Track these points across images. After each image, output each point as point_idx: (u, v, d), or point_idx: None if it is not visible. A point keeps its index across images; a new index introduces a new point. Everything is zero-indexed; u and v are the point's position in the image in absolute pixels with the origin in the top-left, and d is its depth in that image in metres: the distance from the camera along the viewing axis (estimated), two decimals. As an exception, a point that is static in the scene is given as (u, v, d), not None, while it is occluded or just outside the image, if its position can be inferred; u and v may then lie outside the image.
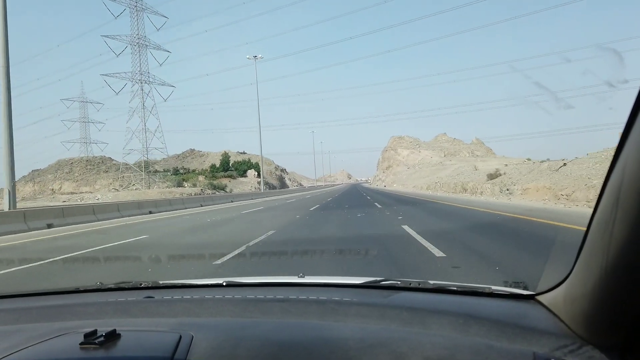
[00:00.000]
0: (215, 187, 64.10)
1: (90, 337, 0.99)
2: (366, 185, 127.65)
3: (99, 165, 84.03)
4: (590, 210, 0.88)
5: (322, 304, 1.33)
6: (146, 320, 1.27)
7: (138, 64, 61.10)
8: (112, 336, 1.01)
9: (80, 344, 0.98)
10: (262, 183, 61.55)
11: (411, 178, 75.16)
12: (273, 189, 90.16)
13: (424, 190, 47.23)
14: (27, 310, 1.46)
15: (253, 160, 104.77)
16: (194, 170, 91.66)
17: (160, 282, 1.73)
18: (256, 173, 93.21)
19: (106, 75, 62.23)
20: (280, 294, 1.50)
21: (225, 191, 65.79)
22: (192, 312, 1.34)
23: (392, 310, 1.23)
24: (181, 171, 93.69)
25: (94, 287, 1.71)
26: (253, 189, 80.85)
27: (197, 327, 1.10)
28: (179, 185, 60.20)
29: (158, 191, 52.19)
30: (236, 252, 7.09)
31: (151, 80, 63.25)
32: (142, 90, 60.85)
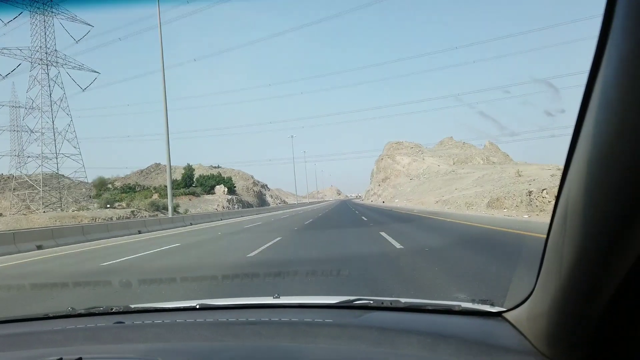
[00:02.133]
0: (159, 208, 47.67)
1: None
2: (357, 201, 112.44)
3: None
4: None
5: (294, 326, 1.34)
6: (114, 346, 1.26)
7: (42, 38, 44.14)
8: None
9: None
10: (233, 200, 44.30)
11: (417, 191, 59.23)
12: (248, 207, 75.80)
13: (447, 206, 32.06)
14: None
15: (228, 175, 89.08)
16: (149, 188, 74.46)
17: (132, 306, 1.71)
18: (226, 189, 77.03)
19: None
20: (253, 316, 1.50)
21: (178, 212, 50.25)
22: (162, 337, 1.33)
23: (363, 330, 1.25)
24: (136, 188, 76.41)
25: (64, 313, 1.68)
26: (221, 208, 65.62)
27: (166, 352, 1.10)
28: (107, 205, 43.50)
29: (55, 215, 35.26)
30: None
31: (61, 61, 46.33)
32: (47, 74, 43.75)
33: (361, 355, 1.07)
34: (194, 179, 78.39)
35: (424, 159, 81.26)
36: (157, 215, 44.93)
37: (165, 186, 77.23)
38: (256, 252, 9.71)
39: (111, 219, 37.34)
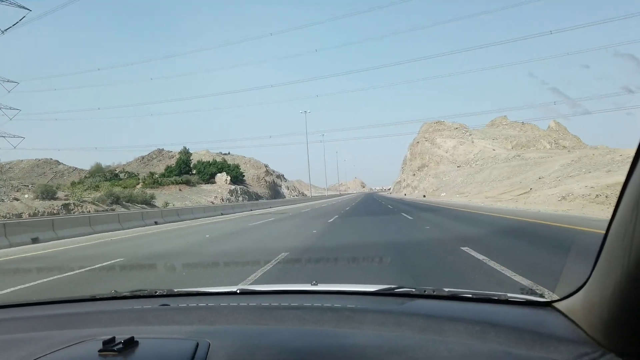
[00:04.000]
0: (117, 200, 34.29)
1: (108, 344, 1.00)
2: (385, 194, 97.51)
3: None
4: None
5: (337, 312, 1.34)
6: (162, 327, 1.29)
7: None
8: (130, 343, 1.01)
9: (99, 351, 0.99)
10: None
11: (472, 182, 44.33)
12: (257, 199, 63.29)
13: (562, 206, 18.47)
14: (43, 318, 1.49)
15: (236, 163, 75.47)
16: (136, 175, 61.27)
17: (175, 290, 1.75)
18: (228, 178, 63.19)
19: None
20: (293, 302, 1.52)
21: (152, 205, 37.16)
22: (208, 320, 1.35)
23: (407, 317, 1.25)
24: (121, 176, 63.19)
25: (110, 295, 1.74)
26: (219, 201, 51.96)
27: (213, 334, 1.10)
28: (48, 196, 30.14)
29: None
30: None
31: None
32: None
33: (408, 341, 1.07)
34: (191, 166, 64.80)
35: (473, 142, 65.86)
36: (113, 209, 31.65)
37: (155, 174, 65.27)
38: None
39: (20, 215, 24.09)
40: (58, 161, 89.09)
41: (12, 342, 1.14)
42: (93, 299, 1.73)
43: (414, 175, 74.37)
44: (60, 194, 33.82)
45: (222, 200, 54.71)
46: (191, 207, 33.65)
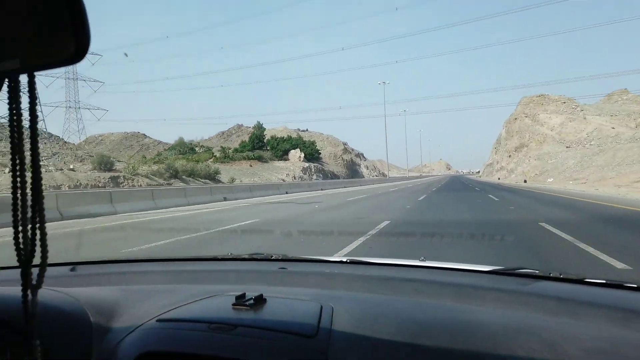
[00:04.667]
0: (176, 174, 31.81)
1: (240, 299, 1.06)
2: (472, 177, 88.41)
3: None
4: None
5: (455, 287, 1.33)
6: (284, 288, 1.33)
7: None
8: (260, 300, 1.07)
9: (233, 304, 1.05)
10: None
11: (591, 166, 35.93)
12: (333, 178, 59.42)
13: None
14: (178, 273, 1.66)
15: (313, 139, 71.85)
16: (211, 149, 59.73)
17: (290, 255, 1.82)
18: (302, 155, 59.52)
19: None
20: (406, 274, 1.51)
21: (217, 180, 35.08)
22: (325, 285, 1.39)
23: (534, 298, 1.21)
24: (197, 150, 62.07)
25: (230, 257, 1.87)
26: (291, 178, 49.74)
27: (333, 299, 1.11)
28: (105, 167, 28.20)
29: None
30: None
31: None
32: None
33: (539, 322, 1.02)
34: (265, 141, 61.93)
35: (585, 118, 55.71)
36: (170, 184, 29.06)
37: (229, 149, 63.59)
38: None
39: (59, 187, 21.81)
40: (145, 134, 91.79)
41: (154, 292, 1.23)
42: (215, 259, 1.89)
43: (509, 156, 65.41)
44: (119, 165, 31.90)
45: (294, 178, 51.40)
46: (261, 183, 30.77)
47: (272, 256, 1.78)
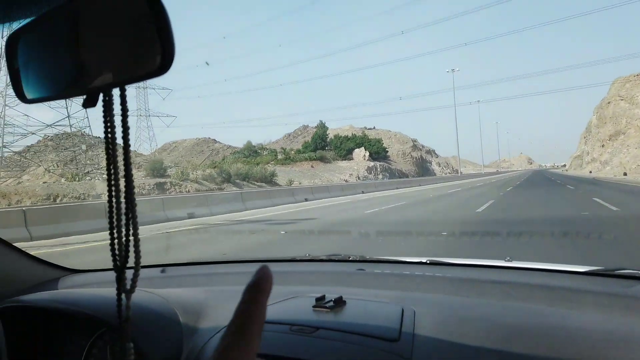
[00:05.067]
0: (229, 178, 30.64)
1: (320, 301, 1.06)
2: (558, 171, 79.80)
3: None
4: None
5: (549, 290, 1.26)
6: (363, 290, 1.29)
7: None
8: (340, 302, 1.06)
9: (313, 306, 1.05)
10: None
11: None
12: (401, 177, 56.19)
13: None
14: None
15: (379, 137, 68.99)
16: (274, 151, 58.78)
17: (367, 256, 1.77)
18: (367, 154, 56.82)
19: None
20: (490, 276, 1.45)
21: (274, 183, 33.65)
22: (405, 287, 1.35)
23: None
24: (260, 152, 61.48)
25: (308, 258, 1.87)
26: (354, 179, 47.15)
27: (414, 301, 1.09)
28: (157, 173, 27.70)
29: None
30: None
31: None
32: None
33: None
34: (327, 141, 59.86)
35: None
36: (222, 188, 27.77)
37: (292, 150, 62.19)
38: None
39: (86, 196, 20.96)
40: (215, 140, 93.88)
41: (238, 293, 1.19)
42: (294, 260, 1.89)
43: (602, 146, 57.70)
44: (172, 171, 31.13)
45: (358, 178, 48.84)
46: (325, 185, 29.59)
47: (349, 257, 1.75)
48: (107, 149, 0.41)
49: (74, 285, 1.56)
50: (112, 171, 0.41)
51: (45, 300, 1.21)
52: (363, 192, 27.25)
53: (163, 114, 60.64)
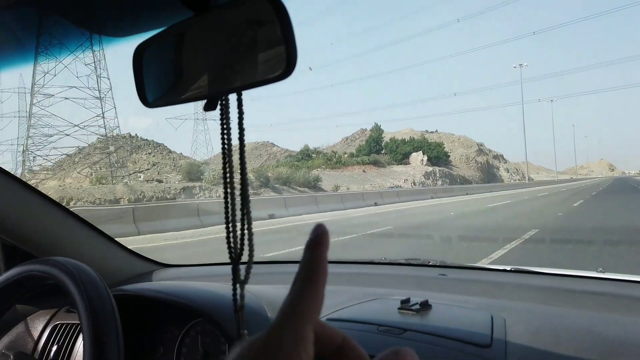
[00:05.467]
0: (267, 182, 29.03)
1: (405, 304, 1.06)
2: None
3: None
4: None
5: None
6: (447, 295, 1.27)
7: None
8: (425, 305, 1.06)
9: (398, 308, 1.05)
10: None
11: None
12: (464, 183, 52.78)
13: None
14: (339, 275, 1.64)
15: (440, 141, 65.18)
16: (326, 154, 56.92)
17: (448, 262, 1.75)
18: (424, 158, 53.41)
19: None
20: (582, 286, 1.39)
21: (319, 188, 32.31)
22: (491, 294, 1.32)
23: None
24: (313, 156, 59.72)
25: (385, 261, 1.83)
26: (409, 185, 43.55)
27: (503, 309, 1.07)
28: (193, 177, 26.96)
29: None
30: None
31: None
32: None
33: None
34: (382, 144, 56.96)
35: None
36: (258, 193, 26.09)
37: (345, 153, 59.71)
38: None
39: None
40: (273, 143, 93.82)
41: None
42: (371, 263, 1.85)
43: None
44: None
45: (414, 184, 45.51)
46: (373, 191, 27.92)
47: (429, 262, 1.72)
48: (223, 149, 0.44)
49: (166, 278, 1.62)
50: (228, 170, 0.44)
51: (145, 289, 1.26)
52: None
53: (218, 117, 59.93)
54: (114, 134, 31.74)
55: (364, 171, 45.90)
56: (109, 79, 37.43)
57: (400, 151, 54.57)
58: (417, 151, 54.66)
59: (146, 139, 42.16)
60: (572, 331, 0.94)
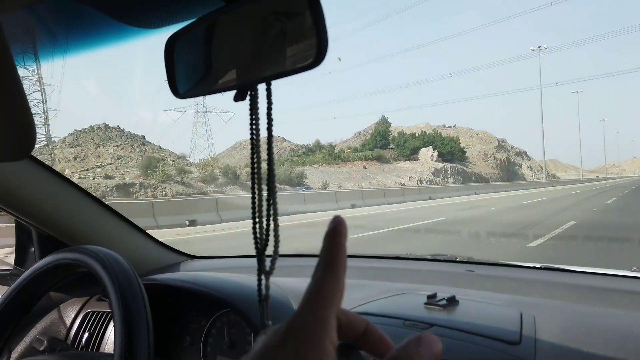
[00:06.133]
0: (235, 180, 25.45)
1: (432, 299, 1.06)
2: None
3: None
4: None
5: None
6: (474, 292, 1.26)
7: None
8: (453, 301, 1.05)
9: (425, 303, 1.05)
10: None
11: None
12: (479, 181, 48.36)
13: None
14: (365, 269, 1.68)
15: (457, 136, 60.64)
16: (326, 147, 53.04)
17: (475, 258, 1.72)
18: (434, 154, 49.15)
19: None
20: (615, 285, 1.35)
21: (304, 185, 28.68)
22: (519, 291, 1.31)
23: None
24: (316, 151, 55.73)
25: (411, 257, 1.82)
26: (415, 182, 39.89)
27: (533, 306, 1.06)
28: (146, 170, 22.85)
29: None
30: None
31: None
32: None
33: None
34: (389, 139, 52.62)
35: None
36: (222, 192, 22.44)
37: (348, 148, 55.40)
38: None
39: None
40: (284, 138, 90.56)
41: (350, 285, 1.32)
42: (397, 258, 1.84)
43: None
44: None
45: (420, 182, 41.12)
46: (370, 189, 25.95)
47: (456, 258, 1.69)
48: (251, 140, 0.44)
49: (194, 270, 1.63)
50: (255, 161, 0.44)
51: (173, 279, 1.27)
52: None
53: (221, 110, 56.59)
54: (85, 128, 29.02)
55: (365, 167, 41.81)
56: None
57: (408, 146, 50.20)
58: (427, 146, 50.11)
59: (122, 129, 38.74)
60: (604, 330, 0.92)
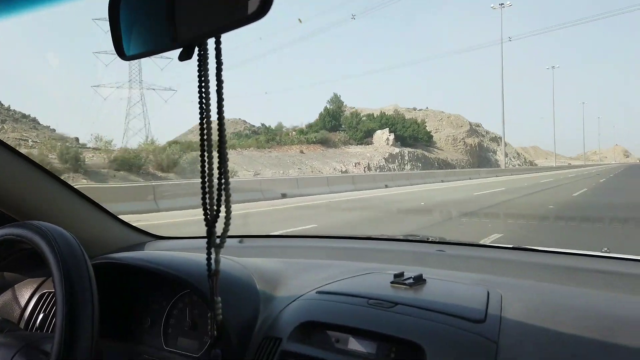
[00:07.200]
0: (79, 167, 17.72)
1: (399, 278, 1.05)
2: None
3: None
4: None
5: None
6: (443, 271, 1.27)
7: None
8: (420, 280, 1.05)
9: (391, 282, 1.05)
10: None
11: None
12: (443, 167, 43.45)
13: None
14: (336, 249, 1.69)
15: (425, 119, 54.84)
16: (274, 130, 46.48)
17: (447, 238, 1.73)
18: (390, 137, 43.10)
19: None
20: (586, 264, 1.36)
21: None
22: (489, 271, 1.30)
23: None
24: (259, 132, 48.76)
25: (384, 237, 1.84)
26: (362, 170, 35.04)
27: (501, 285, 1.05)
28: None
29: None
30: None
31: None
32: None
33: None
34: (341, 120, 46.33)
35: None
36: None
37: (294, 130, 49.11)
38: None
39: None
40: (245, 121, 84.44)
41: (313, 266, 1.27)
42: (369, 238, 1.82)
43: None
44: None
45: (368, 169, 35.11)
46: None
47: (428, 238, 1.70)
48: (200, 103, 0.41)
49: (159, 250, 1.60)
50: (205, 125, 0.41)
51: (132, 258, 1.23)
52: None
53: (160, 86, 49.43)
54: None
55: (302, 152, 35.49)
56: None
57: (361, 128, 44.07)
58: (383, 129, 43.97)
59: (10, 108, 31.36)
60: (572, 309, 0.92)
